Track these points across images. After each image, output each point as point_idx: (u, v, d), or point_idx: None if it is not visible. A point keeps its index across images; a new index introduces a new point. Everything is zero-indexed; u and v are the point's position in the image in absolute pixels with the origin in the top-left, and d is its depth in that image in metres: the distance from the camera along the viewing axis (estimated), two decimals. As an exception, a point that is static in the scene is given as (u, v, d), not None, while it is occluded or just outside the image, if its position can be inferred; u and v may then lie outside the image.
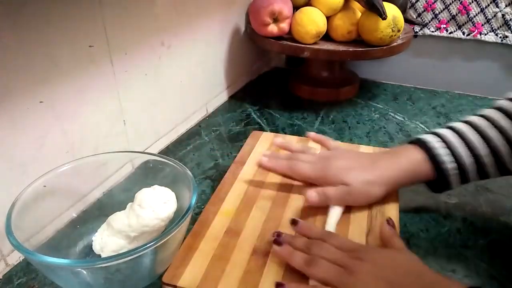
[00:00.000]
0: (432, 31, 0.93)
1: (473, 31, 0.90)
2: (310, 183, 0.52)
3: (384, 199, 0.50)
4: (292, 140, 0.63)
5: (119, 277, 0.37)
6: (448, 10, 0.90)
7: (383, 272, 0.37)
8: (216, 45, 0.78)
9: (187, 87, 0.71)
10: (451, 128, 0.49)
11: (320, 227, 0.47)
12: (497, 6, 0.86)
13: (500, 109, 0.48)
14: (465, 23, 0.90)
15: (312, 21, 0.73)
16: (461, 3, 0.88)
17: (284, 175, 0.55)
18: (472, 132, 0.47)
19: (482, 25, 0.89)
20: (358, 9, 0.76)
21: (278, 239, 0.42)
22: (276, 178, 0.55)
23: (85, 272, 0.35)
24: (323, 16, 0.74)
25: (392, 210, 0.49)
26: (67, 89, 0.47)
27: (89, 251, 0.44)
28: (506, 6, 0.85)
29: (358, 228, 0.46)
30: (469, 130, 0.48)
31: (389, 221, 0.44)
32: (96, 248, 0.43)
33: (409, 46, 0.80)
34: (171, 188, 0.43)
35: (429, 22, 0.93)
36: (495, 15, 0.87)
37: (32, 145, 0.44)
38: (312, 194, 0.48)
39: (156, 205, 0.41)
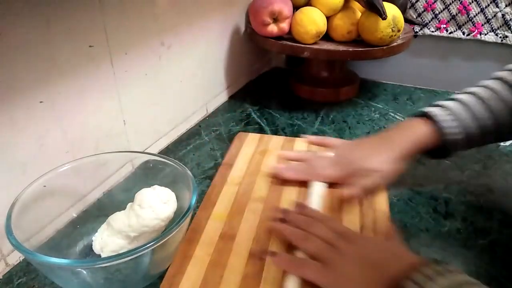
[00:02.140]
0: (432, 31, 0.93)
1: (473, 31, 0.90)
2: (300, 182, 0.54)
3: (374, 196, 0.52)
4: (298, 149, 0.63)
5: (119, 277, 0.37)
6: (448, 10, 0.90)
7: (368, 255, 0.39)
8: (216, 45, 0.78)
9: (187, 87, 0.71)
10: (456, 100, 0.51)
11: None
12: (497, 6, 0.86)
13: (501, 80, 0.50)
14: (465, 23, 0.90)
15: (312, 21, 0.73)
16: (461, 3, 0.88)
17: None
18: (478, 102, 0.50)
19: (482, 25, 0.88)
20: (358, 9, 0.76)
21: (285, 215, 0.46)
22: (265, 180, 0.55)
23: (85, 272, 0.35)
24: (323, 16, 0.74)
25: (382, 205, 0.51)
26: (67, 89, 0.47)
27: (89, 251, 0.44)
28: (506, 6, 0.85)
29: (351, 224, 0.47)
30: (474, 101, 0.50)
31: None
32: (96, 248, 0.43)
33: (409, 46, 0.80)
34: (171, 188, 0.43)
35: (429, 22, 0.93)
36: (495, 15, 0.86)
37: (32, 145, 0.44)
38: (353, 190, 0.50)
39: (156, 205, 0.41)
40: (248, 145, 0.64)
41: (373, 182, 0.51)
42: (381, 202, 0.51)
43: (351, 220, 0.48)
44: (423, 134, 0.51)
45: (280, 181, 0.55)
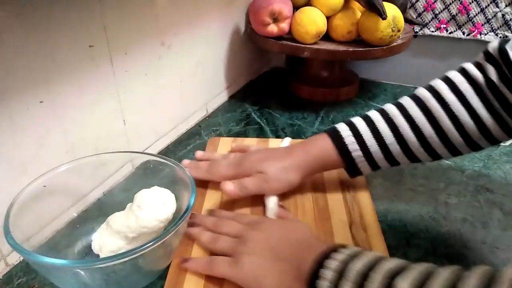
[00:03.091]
0: (432, 31, 0.93)
1: (473, 31, 0.90)
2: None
3: (355, 190, 0.54)
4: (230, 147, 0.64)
5: (118, 277, 0.37)
6: (448, 10, 0.90)
7: (269, 239, 0.40)
8: (216, 45, 0.78)
9: (187, 87, 0.71)
10: (365, 116, 0.51)
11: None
12: (497, 6, 0.86)
13: (414, 97, 0.48)
14: (465, 23, 0.90)
15: (312, 21, 0.73)
16: (461, 3, 0.88)
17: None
18: (382, 120, 0.49)
19: (482, 25, 0.88)
20: (358, 9, 0.76)
21: (192, 220, 0.47)
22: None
23: (82, 272, 0.35)
24: (323, 16, 0.74)
25: (365, 199, 0.53)
26: (67, 89, 0.47)
27: (88, 250, 0.44)
28: (506, 6, 0.85)
29: (340, 222, 0.49)
30: (380, 118, 0.49)
31: (281, 206, 0.49)
32: (95, 248, 0.43)
33: (409, 46, 0.80)
34: (171, 188, 0.43)
35: (429, 22, 0.93)
36: (495, 15, 0.86)
37: (32, 145, 0.44)
38: (230, 185, 0.49)
39: (155, 206, 0.41)
40: (222, 150, 0.64)
41: (253, 183, 0.49)
42: (364, 196, 0.53)
43: (340, 218, 0.49)
44: (321, 148, 0.50)
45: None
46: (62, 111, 0.47)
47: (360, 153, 0.49)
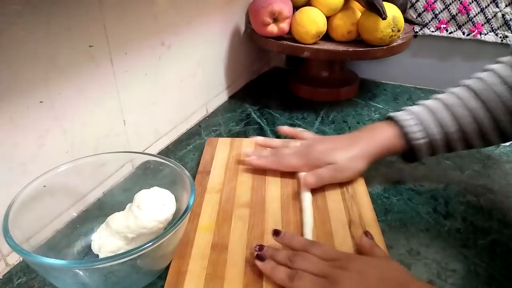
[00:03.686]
0: (432, 31, 0.93)
1: (473, 31, 0.90)
2: (282, 183, 0.55)
3: (354, 190, 0.54)
4: (272, 139, 0.65)
5: (117, 277, 0.37)
6: (448, 10, 0.90)
7: (366, 281, 0.36)
8: (216, 45, 0.78)
9: (187, 87, 0.71)
10: (422, 105, 0.54)
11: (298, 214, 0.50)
12: (497, 6, 0.86)
13: (469, 88, 0.52)
14: (465, 23, 0.90)
15: (312, 21, 0.73)
16: (461, 3, 0.88)
17: (263, 172, 0.57)
18: (443, 110, 0.52)
19: (482, 25, 0.88)
20: (358, 9, 0.76)
21: (260, 254, 0.41)
22: (246, 185, 0.55)
23: (81, 272, 0.35)
24: (323, 16, 0.74)
25: (364, 198, 0.53)
26: (67, 89, 0.47)
27: (88, 251, 0.44)
28: (506, 6, 0.85)
29: (340, 222, 0.48)
30: (441, 108, 0.52)
31: (367, 234, 0.43)
32: (95, 248, 0.43)
33: (409, 46, 0.80)
34: (171, 189, 0.43)
35: (429, 22, 0.93)
36: (495, 15, 0.86)
37: (32, 145, 0.44)
38: (309, 177, 0.52)
39: (154, 207, 0.41)
40: (221, 150, 0.63)
41: (328, 173, 0.53)
42: (362, 195, 0.53)
43: (339, 217, 0.49)
44: (387, 136, 0.53)
45: (261, 183, 0.55)
46: (62, 111, 0.47)
47: (424, 140, 0.52)
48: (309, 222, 0.48)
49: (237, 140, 0.66)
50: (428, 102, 0.54)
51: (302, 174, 0.54)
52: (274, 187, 0.55)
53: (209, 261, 0.43)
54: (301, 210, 0.50)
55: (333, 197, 0.53)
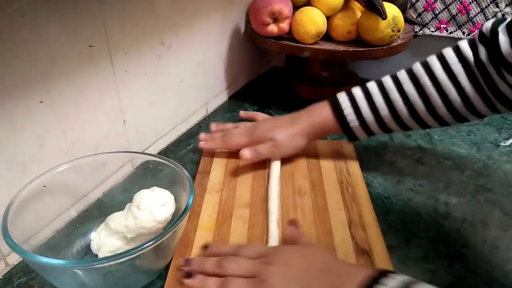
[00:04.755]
0: (432, 31, 0.93)
1: (473, 31, 0.90)
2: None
3: (354, 190, 0.54)
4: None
5: (116, 277, 0.37)
6: (448, 10, 0.90)
7: (293, 272, 0.36)
8: (216, 45, 0.78)
9: (187, 87, 0.71)
10: (364, 88, 0.56)
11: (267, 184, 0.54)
12: (497, 6, 0.86)
13: (410, 73, 0.53)
14: (465, 23, 0.90)
15: (312, 21, 0.73)
16: (461, 3, 0.88)
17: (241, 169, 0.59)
18: (379, 93, 0.54)
19: (482, 25, 0.88)
20: (358, 9, 0.76)
21: (188, 270, 0.39)
22: (246, 184, 0.55)
23: (80, 272, 0.35)
24: (323, 16, 0.74)
25: (364, 198, 0.53)
26: (67, 89, 0.47)
27: (87, 250, 0.44)
28: (506, 6, 0.85)
29: (340, 222, 0.48)
30: (377, 91, 0.54)
31: (291, 222, 0.45)
32: (94, 247, 0.43)
33: (409, 46, 0.80)
34: (171, 189, 0.43)
35: (429, 22, 0.93)
36: (495, 15, 0.86)
37: (32, 145, 0.44)
38: (245, 151, 0.56)
39: (154, 207, 0.41)
40: (221, 150, 0.63)
41: (266, 148, 0.57)
42: (362, 195, 0.53)
43: (339, 217, 0.49)
44: (324, 116, 0.56)
45: (262, 182, 0.56)
46: (62, 111, 0.47)
47: (357, 122, 0.55)
48: (274, 211, 0.49)
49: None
50: (370, 84, 0.55)
51: (241, 151, 0.57)
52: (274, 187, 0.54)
53: None
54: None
55: (333, 196, 0.53)
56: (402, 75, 0.54)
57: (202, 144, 0.62)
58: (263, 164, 0.58)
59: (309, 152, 0.61)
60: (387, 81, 0.54)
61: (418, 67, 0.53)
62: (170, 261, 0.43)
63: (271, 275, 0.35)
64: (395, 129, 0.55)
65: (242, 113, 0.71)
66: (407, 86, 0.52)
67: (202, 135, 0.64)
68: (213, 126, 0.66)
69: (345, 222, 0.48)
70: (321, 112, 0.57)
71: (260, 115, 0.67)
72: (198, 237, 0.46)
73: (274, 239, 0.45)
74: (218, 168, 0.59)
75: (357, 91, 0.56)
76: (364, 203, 0.52)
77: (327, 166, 0.60)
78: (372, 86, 0.55)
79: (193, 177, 0.57)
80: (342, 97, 0.56)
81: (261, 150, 0.57)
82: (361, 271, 0.33)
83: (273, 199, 0.51)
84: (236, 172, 0.58)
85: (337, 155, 0.62)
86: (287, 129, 0.57)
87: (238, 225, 0.48)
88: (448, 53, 0.51)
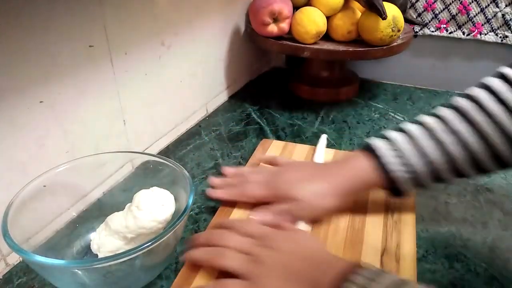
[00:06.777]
0: (432, 31, 0.93)
1: (473, 31, 0.90)
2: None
3: (400, 216, 0.48)
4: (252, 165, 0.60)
5: (116, 277, 0.37)
6: (448, 10, 0.90)
7: (284, 259, 0.38)
8: (216, 45, 0.78)
9: (187, 87, 0.71)
10: (403, 131, 0.46)
11: None
12: (497, 6, 0.86)
13: (457, 109, 0.44)
14: (465, 23, 0.90)
15: (312, 21, 0.73)
16: (461, 3, 0.88)
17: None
18: (426, 136, 0.44)
19: (482, 25, 0.88)
20: (358, 9, 0.76)
21: (195, 241, 0.42)
22: None
23: (80, 272, 0.35)
24: (323, 16, 0.74)
25: (408, 227, 0.47)
26: (67, 89, 0.47)
27: (87, 250, 0.44)
28: (506, 6, 0.85)
29: (372, 248, 0.44)
30: (423, 134, 0.44)
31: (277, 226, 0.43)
32: (94, 247, 0.43)
33: (409, 46, 0.80)
34: (171, 189, 0.43)
35: (429, 22, 0.93)
36: (495, 15, 0.86)
37: (32, 145, 0.44)
38: (267, 218, 0.46)
39: (153, 207, 0.41)
40: (271, 153, 0.62)
41: (289, 213, 0.46)
42: (408, 223, 0.48)
43: (373, 243, 0.45)
44: (363, 169, 0.46)
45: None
46: (62, 111, 0.47)
47: (405, 173, 0.44)
48: None
49: (290, 145, 0.65)
50: (409, 126, 0.46)
51: (256, 214, 0.47)
52: None
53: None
54: None
55: (374, 219, 0.48)
56: (446, 112, 0.44)
57: (211, 192, 0.51)
58: None
59: None
60: (430, 120, 0.45)
61: (461, 101, 0.44)
62: (170, 261, 0.43)
63: (266, 258, 0.38)
64: (450, 178, 0.45)
65: (262, 157, 0.59)
66: (457, 124, 0.43)
67: (213, 180, 0.53)
68: (226, 170, 0.55)
69: (378, 249, 0.44)
70: (358, 163, 0.46)
71: (280, 160, 0.55)
72: None
73: None
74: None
75: (395, 135, 0.46)
76: (407, 232, 0.46)
77: None
78: (411, 127, 0.46)
79: (194, 178, 0.58)
80: (378, 142, 0.46)
81: (282, 212, 0.46)
82: (339, 260, 0.36)
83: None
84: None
85: None
86: (314, 185, 0.47)
87: None
88: (493, 81, 0.43)
